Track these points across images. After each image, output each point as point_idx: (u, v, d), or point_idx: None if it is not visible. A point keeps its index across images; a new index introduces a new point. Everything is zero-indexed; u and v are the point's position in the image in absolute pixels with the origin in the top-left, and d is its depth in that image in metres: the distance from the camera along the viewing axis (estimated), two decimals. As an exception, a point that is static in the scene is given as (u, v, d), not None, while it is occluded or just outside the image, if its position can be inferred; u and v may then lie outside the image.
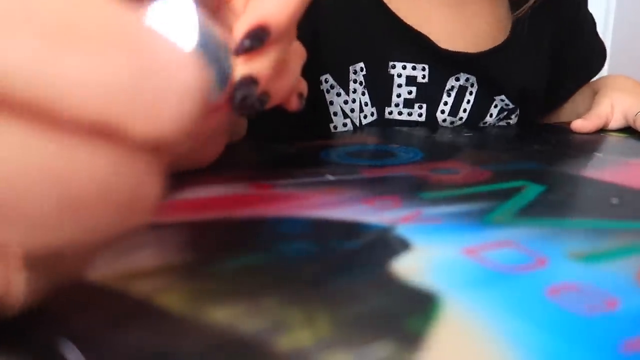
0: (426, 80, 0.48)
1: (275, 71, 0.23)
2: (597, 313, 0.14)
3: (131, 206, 0.11)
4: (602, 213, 0.23)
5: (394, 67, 0.47)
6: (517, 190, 0.26)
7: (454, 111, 0.49)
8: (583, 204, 0.25)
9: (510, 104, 0.52)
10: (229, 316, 0.14)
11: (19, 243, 0.10)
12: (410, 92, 0.48)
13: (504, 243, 0.19)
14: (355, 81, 0.46)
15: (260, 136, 0.39)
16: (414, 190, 0.25)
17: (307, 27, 0.38)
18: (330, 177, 0.27)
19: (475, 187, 0.26)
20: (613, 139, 0.45)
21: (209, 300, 0.14)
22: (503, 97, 0.51)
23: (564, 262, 0.17)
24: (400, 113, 0.48)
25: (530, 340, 0.13)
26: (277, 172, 0.29)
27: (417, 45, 0.47)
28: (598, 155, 0.37)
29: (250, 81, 0.22)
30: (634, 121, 0.47)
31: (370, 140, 0.41)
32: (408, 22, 0.47)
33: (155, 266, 0.17)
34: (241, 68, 0.22)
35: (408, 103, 0.48)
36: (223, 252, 0.18)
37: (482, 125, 0.51)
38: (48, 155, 0.10)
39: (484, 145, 0.41)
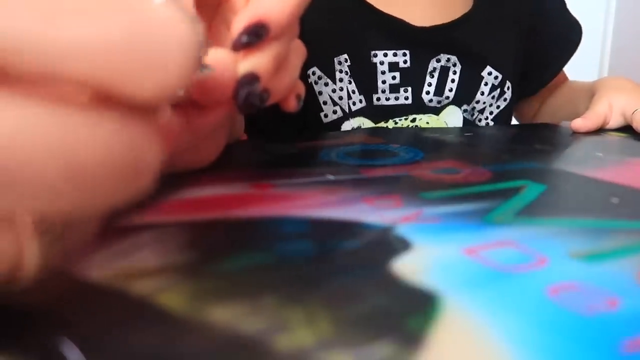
0: (408, 65, 0.50)
1: (276, 68, 0.23)
2: (598, 313, 0.14)
3: (134, 170, 0.11)
4: (602, 213, 0.23)
5: (375, 55, 0.50)
6: (517, 190, 0.25)
7: (439, 91, 0.51)
8: (583, 203, 0.25)
9: (499, 74, 0.53)
10: (229, 316, 0.14)
11: (28, 211, 0.11)
12: (394, 78, 0.50)
13: (504, 243, 0.19)
14: (340, 71, 0.49)
15: (254, 130, 0.39)
16: (414, 190, 0.25)
17: None
18: (331, 177, 0.27)
19: (476, 186, 0.26)
20: (613, 138, 0.45)
21: (209, 300, 0.14)
22: (489, 69, 0.53)
23: (565, 262, 0.17)
24: (387, 99, 0.50)
25: (531, 340, 0.13)
26: (277, 172, 0.29)
27: (395, 32, 0.50)
28: (598, 155, 0.37)
29: (252, 78, 0.22)
30: (632, 119, 0.47)
31: (371, 140, 0.41)
32: (384, 10, 0.50)
33: (155, 266, 0.17)
34: (243, 65, 0.22)
35: (394, 88, 0.50)
36: (223, 252, 0.18)
37: (476, 104, 0.53)
38: (50, 126, 0.10)
39: (485, 145, 0.40)
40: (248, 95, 0.21)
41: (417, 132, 0.44)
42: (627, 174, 0.30)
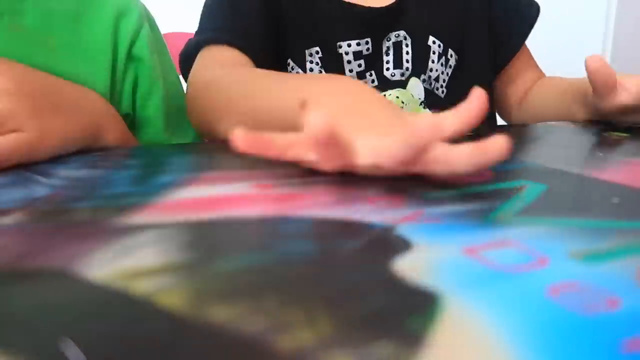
0: (370, 51, 0.55)
1: None
2: (598, 312, 0.14)
3: None
4: (602, 213, 0.23)
5: (340, 47, 0.54)
6: (517, 189, 0.25)
7: (398, 65, 0.56)
8: (583, 203, 0.25)
9: (440, 42, 0.58)
10: (229, 316, 0.14)
11: None
12: (360, 65, 0.54)
13: (504, 242, 0.19)
14: (311, 62, 0.54)
15: None
16: (415, 189, 0.25)
17: (272, 16, 0.52)
18: (331, 177, 0.27)
19: (476, 186, 0.26)
20: (613, 138, 0.45)
21: (209, 300, 0.14)
22: (432, 38, 0.57)
23: (565, 262, 0.17)
24: None
25: (531, 340, 0.13)
26: (277, 172, 0.29)
27: (357, 20, 0.54)
28: (598, 155, 0.37)
29: None
30: None
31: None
32: None
33: (156, 266, 0.17)
34: None
35: (360, 75, 0.55)
36: (223, 252, 0.18)
37: (430, 73, 0.57)
38: None
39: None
40: None
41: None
42: (627, 174, 0.30)
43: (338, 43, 0.54)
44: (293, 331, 0.13)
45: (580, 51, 0.62)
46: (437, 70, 0.57)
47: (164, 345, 0.12)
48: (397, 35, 0.55)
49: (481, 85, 0.64)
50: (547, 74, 0.67)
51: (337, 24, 0.54)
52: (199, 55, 0.50)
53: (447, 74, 0.58)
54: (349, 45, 0.54)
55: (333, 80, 0.36)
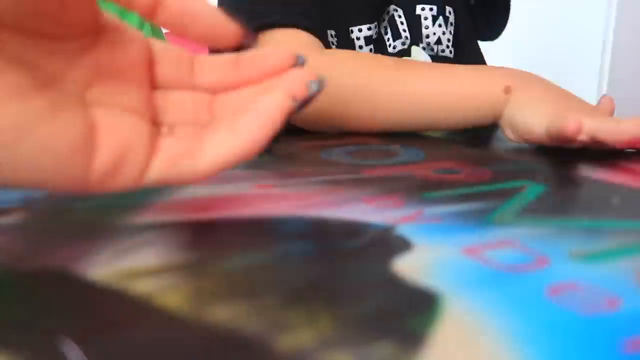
0: (377, 35, 0.55)
1: None
2: (598, 313, 0.14)
3: None
4: (602, 213, 0.23)
5: (352, 32, 0.54)
6: (517, 190, 0.25)
7: (396, 37, 0.56)
8: (583, 203, 0.25)
9: (432, 5, 0.57)
10: (229, 316, 0.14)
11: None
12: (371, 50, 0.55)
13: (504, 243, 0.19)
14: (332, 43, 0.54)
15: None
16: (415, 189, 0.25)
17: None
18: (331, 177, 0.27)
19: (476, 187, 0.26)
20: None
21: (209, 300, 0.14)
22: (421, 5, 0.57)
23: (565, 262, 0.17)
24: None
25: (532, 340, 0.13)
26: (277, 172, 0.29)
27: (366, 4, 0.54)
28: (598, 155, 0.36)
29: None
30: None
31: (372, 139, 0.41)
32: None
33: (156, 266, 0.17)
34: None
35: None
36: (223, 252, 0.18)
37: (427, 39, 0.57)
38: None
39: (485, 145, 0.40)
40: None
41: (419, 132, 0.44)
42: (627, 175, 0.30)
43: (350, 28, 0.54)
44: (293, 331, 0.13)
45: (581, 52, 0.62)
46: (435, 34, 0.57)
47: (164, 345, 0.12)
48: (387, 12, 0.56)
49: (473, 33, 0.63)
50: (548, 76, 0.66)
51: (348, 7, 0.54)
52: (263, 43, 0.45)
53: (451, 32, 0.58)
54: (360, 30, 0.54)
55: (513, 71, 0.41)
